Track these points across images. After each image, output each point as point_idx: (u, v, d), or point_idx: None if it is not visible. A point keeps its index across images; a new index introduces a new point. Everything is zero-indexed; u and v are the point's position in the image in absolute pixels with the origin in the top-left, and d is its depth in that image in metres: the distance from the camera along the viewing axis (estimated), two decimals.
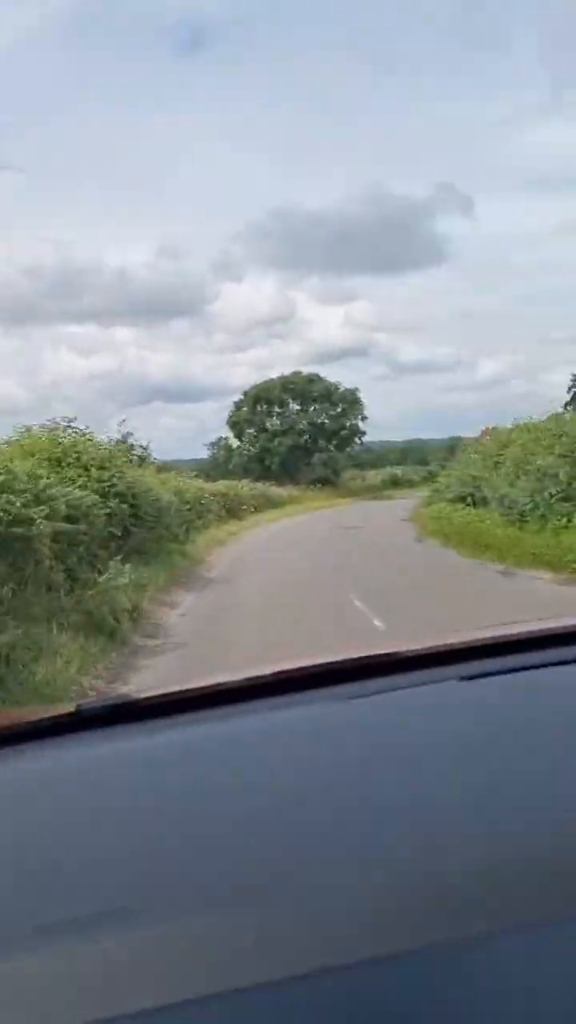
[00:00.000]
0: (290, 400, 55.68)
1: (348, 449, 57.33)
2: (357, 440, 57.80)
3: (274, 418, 55.52)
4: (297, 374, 56.93)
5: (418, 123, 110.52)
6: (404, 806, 0.76)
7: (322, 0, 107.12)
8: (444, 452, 45.87)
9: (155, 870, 0.71)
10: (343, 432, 55.90)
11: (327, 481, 52.81)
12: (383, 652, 1.17)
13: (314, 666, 1.14)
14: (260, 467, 51.05)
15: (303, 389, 55.59)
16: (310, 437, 54.36)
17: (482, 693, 1.03)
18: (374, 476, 58.30)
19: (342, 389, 56.00)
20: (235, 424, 56.27)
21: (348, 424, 55.97)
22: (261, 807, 0.81)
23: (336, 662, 1.13)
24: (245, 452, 54.72)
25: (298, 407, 55.58)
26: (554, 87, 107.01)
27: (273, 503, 37.96)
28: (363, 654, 1.16)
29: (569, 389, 40.96)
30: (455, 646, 1.16)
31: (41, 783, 0.95)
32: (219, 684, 1.13)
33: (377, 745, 0.93)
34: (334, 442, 55.29)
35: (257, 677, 1.12)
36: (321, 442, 54.51)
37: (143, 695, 1.15)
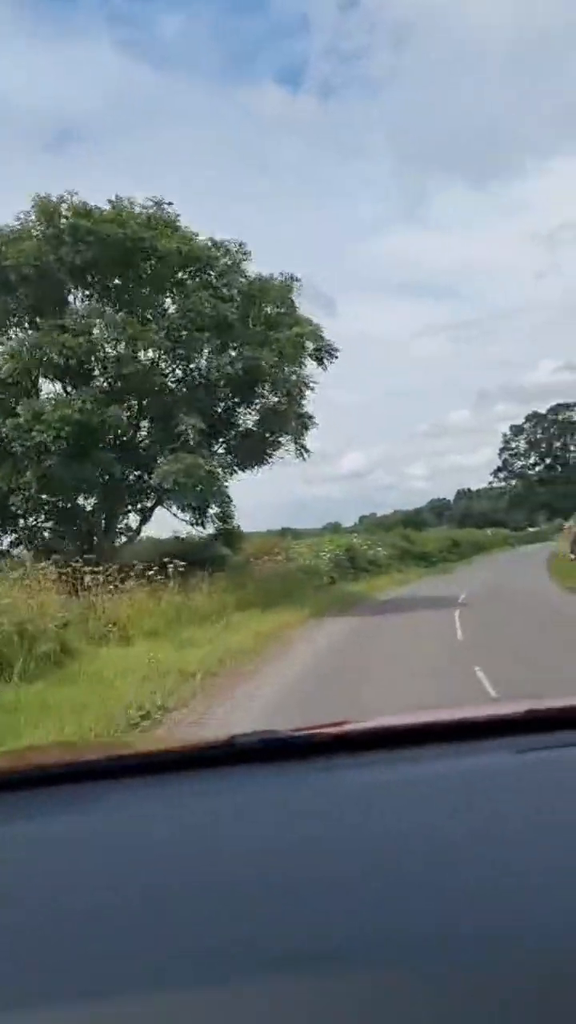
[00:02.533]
0: None
1: None
2: None
3: None
4: None
5: (282, 224, 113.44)
6: (423, 892, 0.75)
7: (191, 103, 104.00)
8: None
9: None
10: None
11: None
12: (448, 718, 1.20)
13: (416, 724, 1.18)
14: None
15: None
16: None
17: (536, 768, 1.01)
18: None
19: None
20: None
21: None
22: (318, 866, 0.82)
23: (433, 723, 1.17)
24: None
25: None
26: (409, 199, 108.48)
27: None
28: (429, 719, 1.19)
29: None
30: (516, 716, 1.16)
31: (196, 814, 0.98)
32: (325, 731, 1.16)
33: (421, 824, 0.91)
34: None
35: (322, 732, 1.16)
36: None
37: (294, 732, 1.17)
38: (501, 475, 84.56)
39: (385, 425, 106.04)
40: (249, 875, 0.80)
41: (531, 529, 75.40)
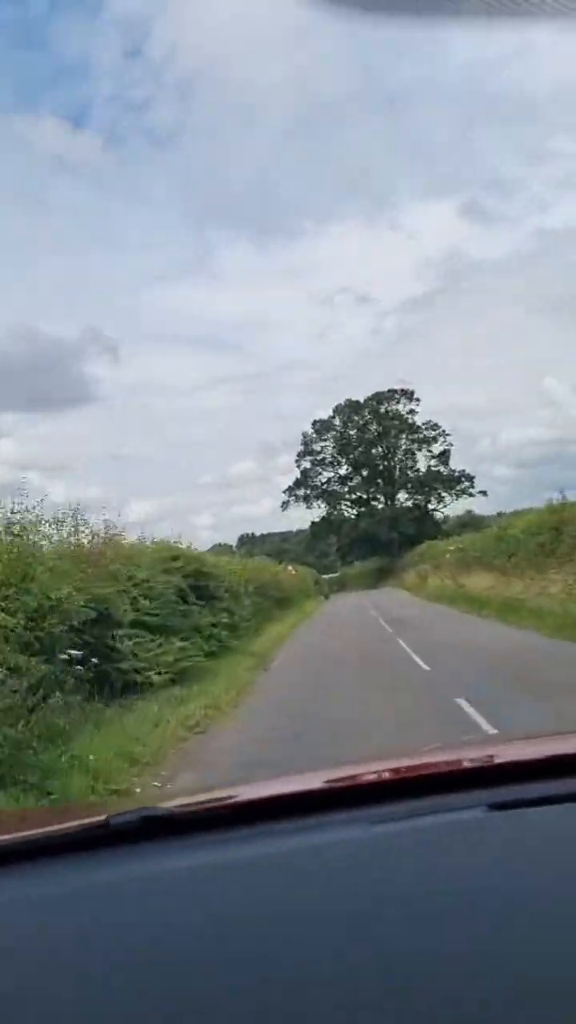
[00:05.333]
0: None
1: None
2: None
3: None
4: None
5: (64, 268, 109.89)
6: (407, 961, 0.73)
7: None
8: None
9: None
10: None
11: None
12: (413, 767, 1.16)
13: (340, 785, 1.14)
14: None
15: None
16: None
17: (510, 826, 0.97)
18: None
19: None
20: None
21: None
22: (263, 942, 0.80)
23: (365, 783, 1.12)
24: None
25: None
26: (196, 252, 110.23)
27: None
28: (390, 771, 1.14)
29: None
30: (489, 765, 1.13)
31: (72, 902, 0.93)
32: (239, 801, 1.13)
33: (393, 884, 0.89)
34: None
35: (282, 795, 1.13)
36: None
37: (173, 807, 1.14)
38: (299, 492, 77.12)
39: (170, 476, 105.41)
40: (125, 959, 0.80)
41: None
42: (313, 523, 78.79)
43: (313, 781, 1.16)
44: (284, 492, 77.78)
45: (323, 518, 78.12)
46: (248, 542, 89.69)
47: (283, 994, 0.71)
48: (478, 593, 25.44)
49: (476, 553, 31.41)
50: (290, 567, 43.69)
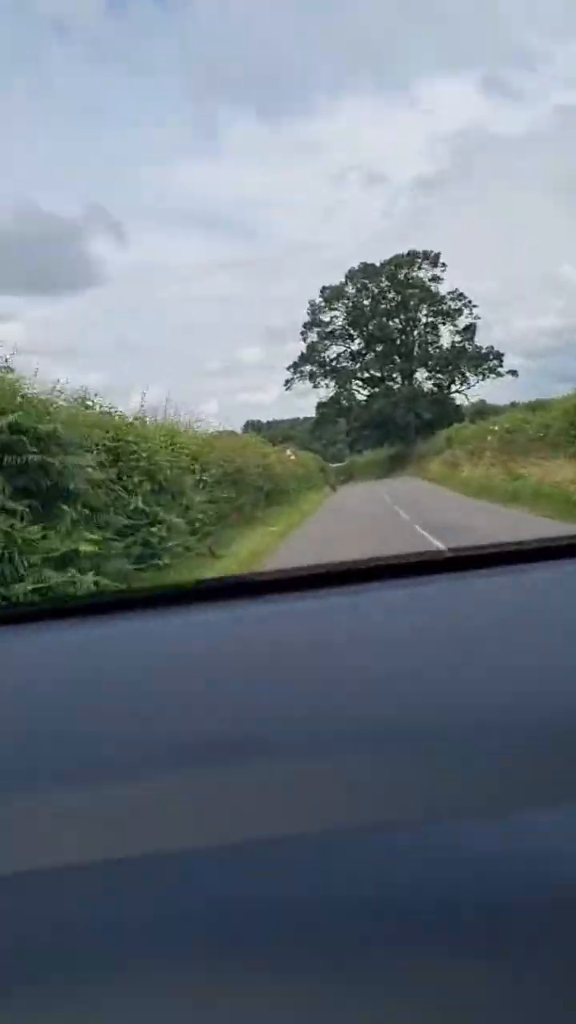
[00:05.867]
0: None
1: None
2: None
3: None
4: None
5: (68, 146, 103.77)
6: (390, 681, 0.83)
7: None
8: None
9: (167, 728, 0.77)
10: None
11: None
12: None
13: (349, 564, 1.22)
14: None
15: None
16: None
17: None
18: None
19: None
20: None
21: None
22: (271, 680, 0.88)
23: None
24: None
25: None
26: (204, 127, 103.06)
27: None
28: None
29: None
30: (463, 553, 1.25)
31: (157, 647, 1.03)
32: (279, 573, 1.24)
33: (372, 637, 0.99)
34: None
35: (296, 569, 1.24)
36: None
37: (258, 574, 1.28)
38: (305, 368, 67.66)
39: (176, 362, 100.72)
40: (222, 679, 0.88)
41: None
42: (320, 404, 69.61)
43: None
44: (288, 369, 68.67)
45: (331, 399, 68.90)
46: (253, 429, 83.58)
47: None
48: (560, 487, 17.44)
49: (538, 433, 23.38)
50: (288, 451, 35.47)
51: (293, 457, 34.58)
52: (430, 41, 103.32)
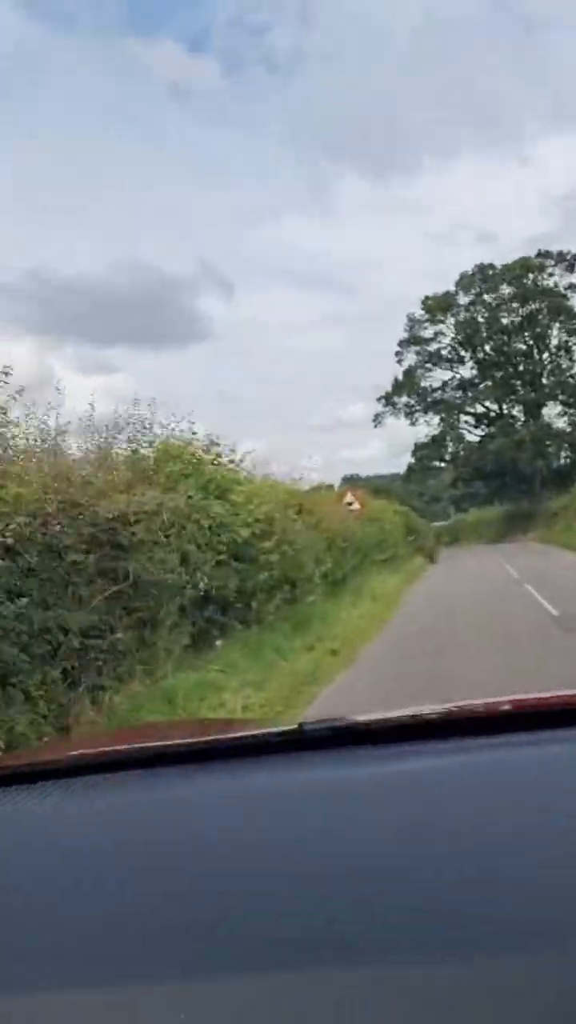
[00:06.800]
0: None
1: None
2: None
3: None
4: None
5: (179, 204, 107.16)
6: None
7: (73, 73, 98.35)
8: None
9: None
10: None
11: None
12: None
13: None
14: None
15: None
16: None
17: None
18: None
19: None
20: None
21: None
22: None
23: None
24: None
25: None
26: (309, 186, 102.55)
27: None
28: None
29: None
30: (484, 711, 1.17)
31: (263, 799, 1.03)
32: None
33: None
34: None
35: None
36: None
37: (365, 719, 1.17)
38: (400, 400, 53.41)
39: (280, 416, 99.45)
40: (311, 862, 0.87)
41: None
42: (418, 445, 54.43)
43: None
44: (378, 400, 53.93)
45: (433, 439, 53.64)
46: (351, 483, 72.54)
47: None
48: None
49: None
50: (349, 496, 20.67)
51: (356, 506, 19.83)
52: (541, 98, 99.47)
